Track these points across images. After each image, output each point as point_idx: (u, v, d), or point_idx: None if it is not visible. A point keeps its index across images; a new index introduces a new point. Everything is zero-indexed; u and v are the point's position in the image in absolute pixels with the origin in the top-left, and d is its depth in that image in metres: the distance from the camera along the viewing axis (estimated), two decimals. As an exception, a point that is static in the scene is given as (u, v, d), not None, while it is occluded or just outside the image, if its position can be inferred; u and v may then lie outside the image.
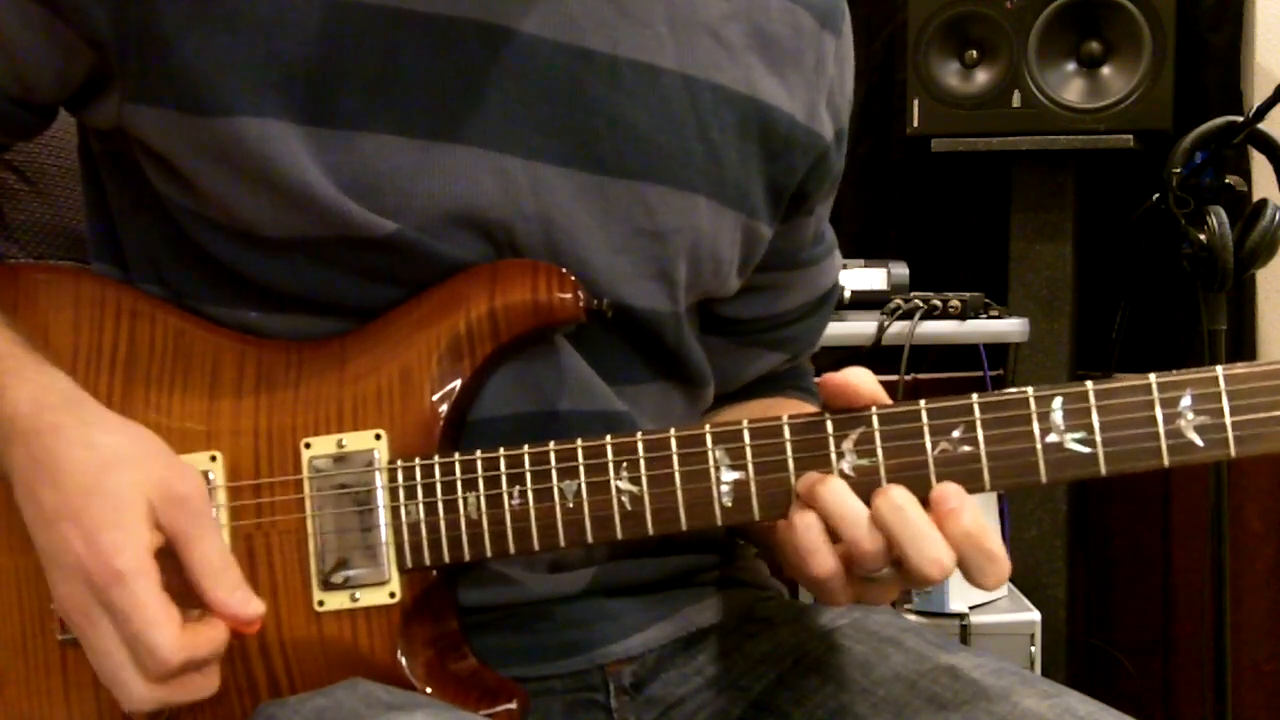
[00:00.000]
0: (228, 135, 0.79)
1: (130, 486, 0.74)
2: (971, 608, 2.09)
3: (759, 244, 0.96)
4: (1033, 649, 2.08)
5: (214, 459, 0.80)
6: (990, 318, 2.11)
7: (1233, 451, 0.73)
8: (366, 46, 0.80)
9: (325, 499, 0.80)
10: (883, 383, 0.78)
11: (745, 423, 0.77)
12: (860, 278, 2.13)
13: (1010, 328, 2.12)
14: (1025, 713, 0.79)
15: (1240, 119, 1.65)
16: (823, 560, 0.75)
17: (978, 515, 0.74)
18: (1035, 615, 2.10)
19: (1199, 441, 0.73)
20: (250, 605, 0.75)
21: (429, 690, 0.79)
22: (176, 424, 0.80)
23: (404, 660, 0.79)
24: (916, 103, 2.27)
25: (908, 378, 2.08)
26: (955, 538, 0.73)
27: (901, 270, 2.14)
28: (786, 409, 0.84)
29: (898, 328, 2.04)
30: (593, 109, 0.85)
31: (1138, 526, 2.50)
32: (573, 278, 0.83)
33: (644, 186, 0.87)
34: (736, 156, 0.91)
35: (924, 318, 2.07)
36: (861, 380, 0.76)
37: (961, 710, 0.81)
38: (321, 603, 0.79)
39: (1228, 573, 1.75)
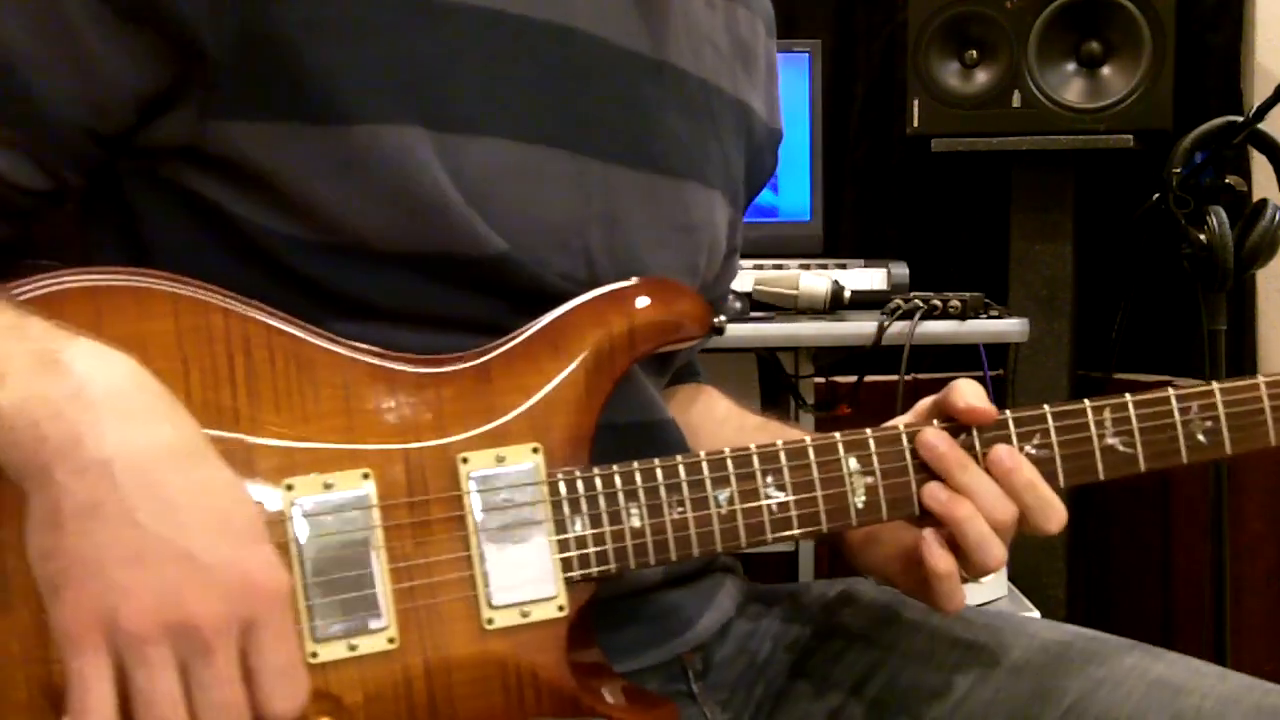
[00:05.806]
0: (359, 143, 0.76)
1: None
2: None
3: (735, 237, 1.04)
4: (1033, 649, 2.08)
5: (366, 476, 0.76)
6: (990, 318, 2.10)
7: (1228, 449, 0.89)
8: (476, 49, 0.80)
9: (488, 514, 0.78)
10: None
11: (869, 431, 0.85)
12: (860, 278, 2.12)
13: (1010, 328, 2.11)
14: (1046, 643, 0.91)
15: (1240, 119, 1.65)
16: (946, 562, 0.82)
17: (1032, 468, 0.84)
18: (1035, 615, 2.10)
19: (1206, 442, 0.88)
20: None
21: (596, 706, 0.78)
22: (316, 440, 0.76)
23: (572, 675, 0.78)
24: (916, 103, 2.26)
25: (908, 378, 2.08)
26: (1019, 490, 0.83)
27: (901, 270, 2.13)
28: (719, 404, 1.01)
29: (898, 328, 2.03)
30: (645, 110, 0.89)
31: (1138, 526, 2.50)
32: (703, 299, 0.86)
33: (684, 184, 0.92)
34: (736, 156, 0.98)
35: (924, 318, 2.06)
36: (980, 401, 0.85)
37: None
38: (490, 620, 0.77)
39: (1228, 573, 1.75)
